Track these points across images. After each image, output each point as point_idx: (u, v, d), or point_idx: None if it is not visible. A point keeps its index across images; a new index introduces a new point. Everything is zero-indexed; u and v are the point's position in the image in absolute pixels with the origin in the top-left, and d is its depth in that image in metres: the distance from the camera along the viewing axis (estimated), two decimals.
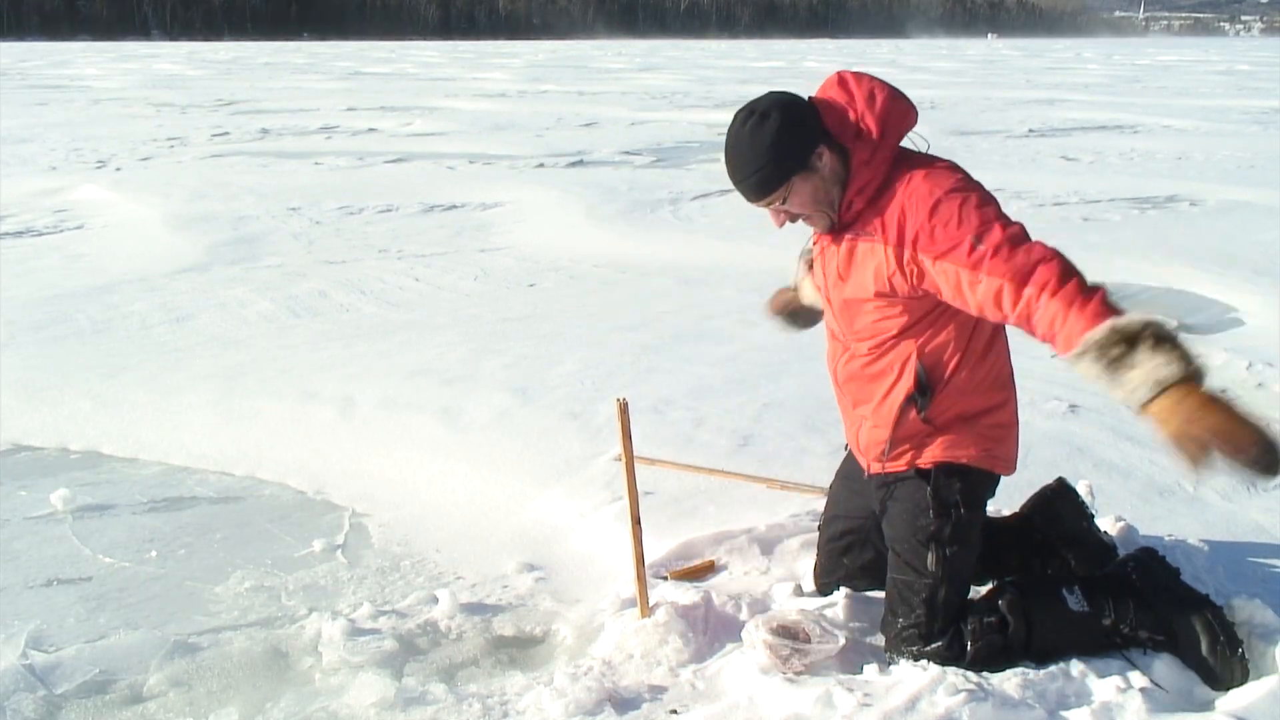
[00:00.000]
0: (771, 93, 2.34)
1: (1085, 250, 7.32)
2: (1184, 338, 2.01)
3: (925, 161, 2.31)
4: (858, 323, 2.39)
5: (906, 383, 2.36)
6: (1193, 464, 1.93)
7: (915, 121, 2.35)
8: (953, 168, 2.30)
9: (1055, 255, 2.10)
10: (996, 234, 2.13)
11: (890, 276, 2.27)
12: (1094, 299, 2.03)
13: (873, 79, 2.33)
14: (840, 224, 2.35)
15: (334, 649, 2.60)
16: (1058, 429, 3.96)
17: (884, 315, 2.34)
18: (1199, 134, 15.65)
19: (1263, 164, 12.21)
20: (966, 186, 2.23)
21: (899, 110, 2.32)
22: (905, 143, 2.37)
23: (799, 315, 2.92)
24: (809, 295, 2.81)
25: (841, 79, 2.34)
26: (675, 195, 9.99)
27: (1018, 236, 2.13)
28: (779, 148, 2.25)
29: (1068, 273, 2.07)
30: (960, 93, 25.06)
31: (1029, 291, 2.08)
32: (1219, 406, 1.92)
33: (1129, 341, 1.97)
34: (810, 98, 2.35)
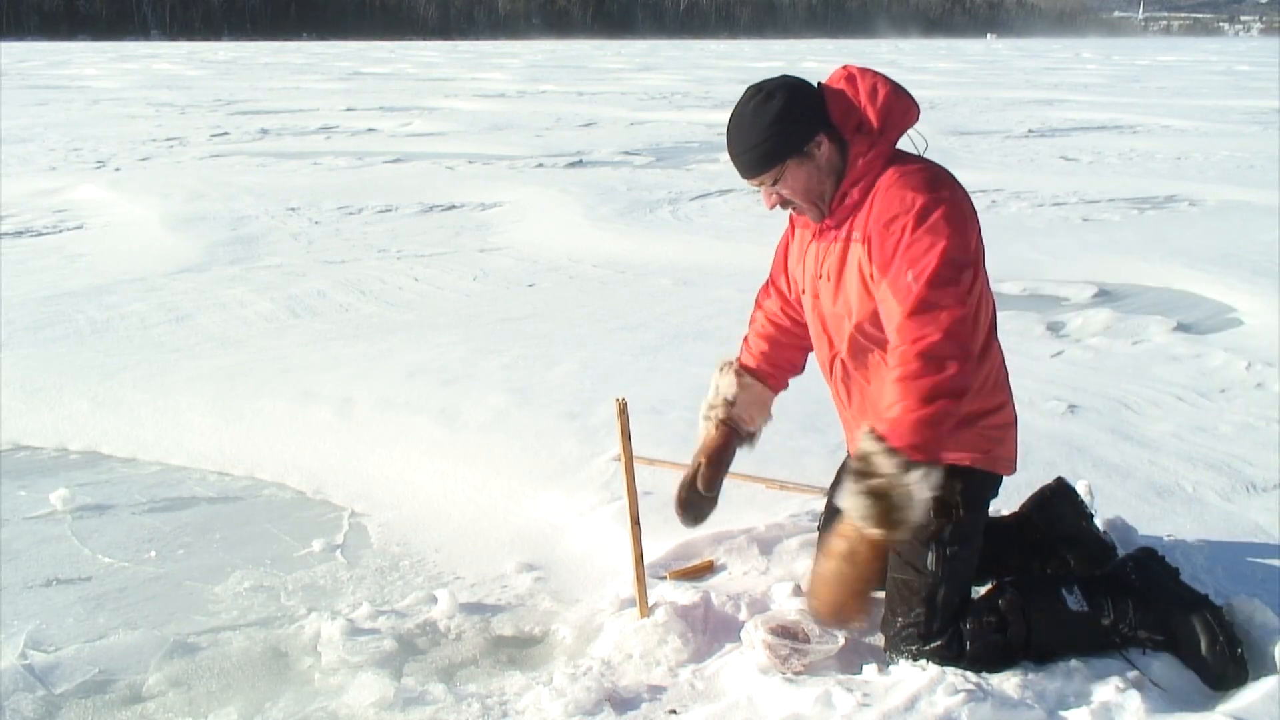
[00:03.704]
0: (783, 75, 2.35)
1: (1085, 250, 7.34)
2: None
3: (913, 165, 2.30)
4: (848, 328, 2.38)
5: None
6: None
7: (916, 119, 2.35)
8: (935, 178, 2.27)
9: (939, 336, 2.11)
10: (925, 275, 2.14)
11: (870, 279, 2.28)
12: (905, 422, 2.08)
13: (877, 74, 2.34)
14: (833, 218, 2.35)
15: (333, 649, 2.60)
16: (1057, 429, 3.96)
17: (873, 324, 2.32)
18: (1199, 134, 15.66)
19: (1262, 164, 12.21)
20: (931, 215, 2.19)
21: (900, 107, 2.32)
22: (904, 142, 2.37)
23: (706, 501, 2.66)
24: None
25: (849, 73, 2.35)
26: (674, 195, 9.99)
27: (937, 292, 2.13)
28: (779, 128, 2.27)
29: (937, 364, 2.10)
30: (960, 93, 25.06)
31: (898, 368, 2.14)
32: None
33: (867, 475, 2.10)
34: (820, 84, 2.35)
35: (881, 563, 2.23)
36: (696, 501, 2.64)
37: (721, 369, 2.65)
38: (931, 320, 2.12)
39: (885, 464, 2.07)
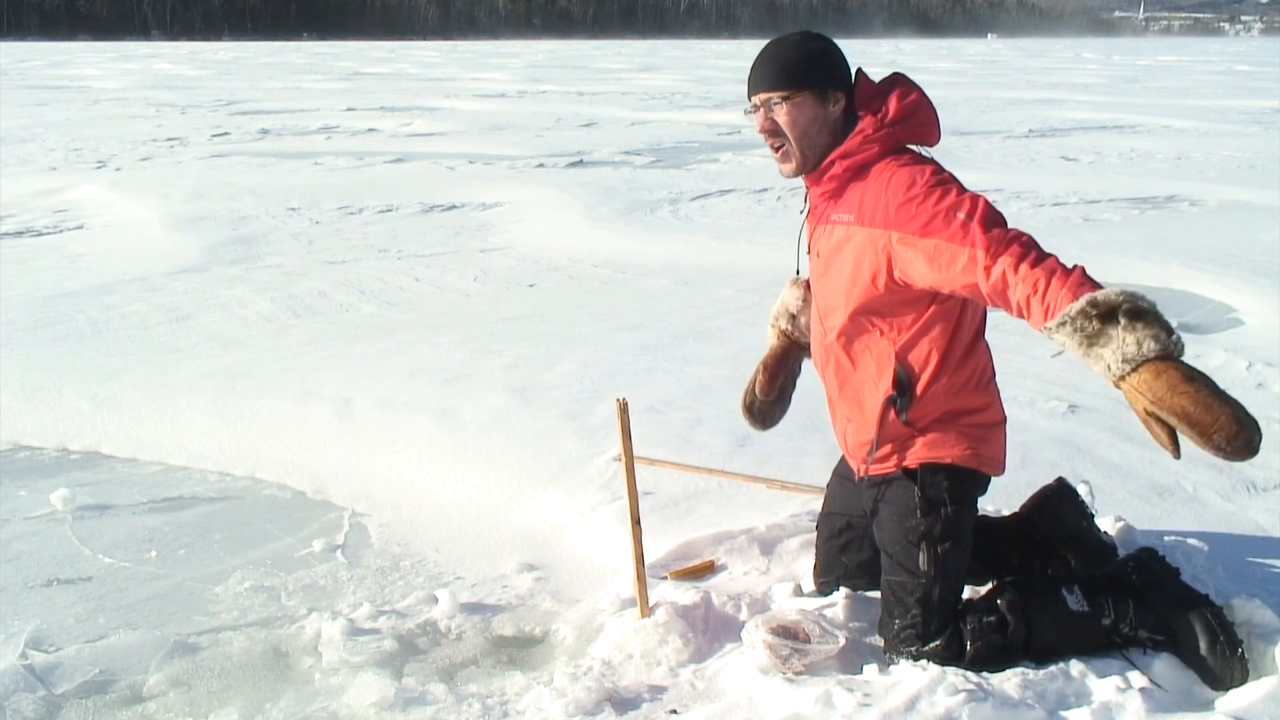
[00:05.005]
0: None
1: (1085, 250, 7.33)
2: (1161, 313, 1.98)
3: (906, 155, 2.34)
4: (836, 316, 2.40)
5: (885, 385, 2.37)
6: (1162, 444, 1.97)
7: (933, 138, 2.39)
8: (924, 158, 2.34)
9: (1030, 236, 2.11)
10: (975, 208, 2.14)
11: (866, 262, 2.29)
12: (1073, 273, 2.03)
13: (923, 92, 2.39)
14: (812, 177, 2.39)
15: (334, 649, 2.60)
16: (1058, 429, 3.96)
17: (861, 312, 2.34)
18: (1199, 134, 15.66)
19: (1263, 164, 12.21)
20: (945, 177, 2.25)
21: (923, 117, 2.36)
22: None
23: (783, 396, 2.83)
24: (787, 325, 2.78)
25: (896, 75, 2.41)
26: (675, 195, 9.99)
27: (995, 215, 2.15)
28: (814, 62, 2.35)
29: (1043, 250, 2.09)
30: (960, 93, 25.05)
31: (1005, 261, 2.06)
32: (1192, 387, 1.90)
33: (1104, 317, 1.95)
34: (859, 69, 2.42)
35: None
36: (758, 407, 2.81)
37: (792, 283, 2.78)
38: (989, 228, 2.10)
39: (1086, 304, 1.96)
